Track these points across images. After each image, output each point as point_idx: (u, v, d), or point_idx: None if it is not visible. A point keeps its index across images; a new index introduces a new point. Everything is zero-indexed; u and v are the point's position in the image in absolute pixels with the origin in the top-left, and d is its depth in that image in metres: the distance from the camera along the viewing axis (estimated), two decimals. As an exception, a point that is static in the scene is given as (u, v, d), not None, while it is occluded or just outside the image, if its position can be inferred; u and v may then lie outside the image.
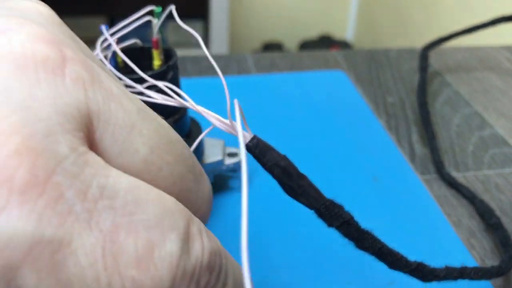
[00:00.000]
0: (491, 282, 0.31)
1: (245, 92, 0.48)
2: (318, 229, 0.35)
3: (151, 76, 0.28)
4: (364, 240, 0.23)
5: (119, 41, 0.29)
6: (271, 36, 1.59)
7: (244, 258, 0.12)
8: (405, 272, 0.24)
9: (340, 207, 0.22)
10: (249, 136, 0.21)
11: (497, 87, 0.53)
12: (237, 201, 0.36)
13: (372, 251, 0.23)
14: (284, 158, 0.21)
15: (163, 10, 0.28)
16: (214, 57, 0.54)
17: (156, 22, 0.28)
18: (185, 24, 0.28)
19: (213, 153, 0.34)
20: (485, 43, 0.62)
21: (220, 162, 0.34)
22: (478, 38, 0.65)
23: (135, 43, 0.30)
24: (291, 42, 1.60)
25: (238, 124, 0.19)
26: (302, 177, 0.21)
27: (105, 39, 0.27)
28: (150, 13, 0.28)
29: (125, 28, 0.27)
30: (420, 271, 0.25)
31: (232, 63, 0.54)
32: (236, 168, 0.36)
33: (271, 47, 1.54)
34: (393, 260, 0.24)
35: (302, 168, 0.41)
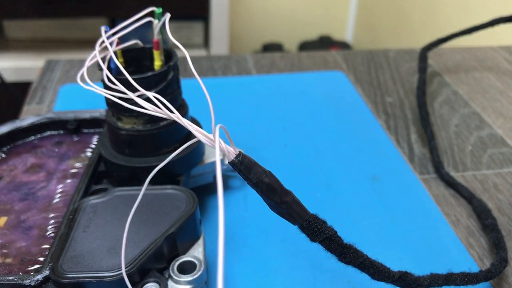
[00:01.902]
0: (490, 282, 0.32)
1: (245, 92, 0.49)
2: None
3: (152, 76, 0.28)
4: (346, 255, 0.23)
5: (122, 41, 0.30)
6: (271, 37, 1.59)
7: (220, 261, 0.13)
8: (388, 282, 0.25)
9: (322, 223, 0.23)
10: (234, 152, 0.21)
11: (496, 87, 0.53)
12: (237, 201, 0.36)
13: (354, 264, 0.24)
14: (269, 174, 0.21)
15: (164, 11, 0.28)
16: (214, 57, 0.54)
17: (157, 23, 0.28)
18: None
19: (214, 153, 0.34)
20: (484, 44, 0.63)
21: (220, 162, 0.34)
22: (477, 39, 0.65)
23: (136, 43, 0.31)
24: (291, 43, 1.61)
25: (216, 148, 0.19)
26: (287, 193, 0.22)
27: (107, 39, 0.27)
28: (151, 14, 0.28)
29: (125, 28, 0.28)
30: (403, 280, 0.25)
31: (232, 63, 0.54)
32: None
33: (271, 48, 1.54)
34: (375, 271, 0.24)
35: (302, 168, 0.42)
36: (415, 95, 0.50)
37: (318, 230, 0.22)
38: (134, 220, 0.26)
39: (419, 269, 0.32)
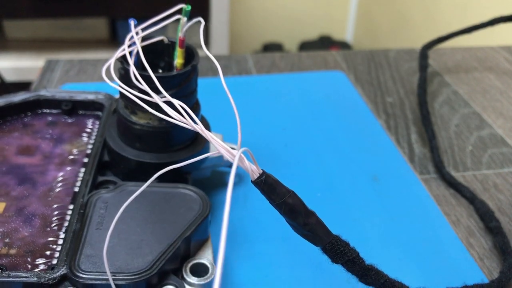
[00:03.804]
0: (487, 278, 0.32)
1: (245, 92, 0.49)
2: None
3: (177, 76, 0.28)
4: (367, 276, 0.23)
5: (148, 37, 0.29)
6: (271, 37, 1.59)
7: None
8: None
9: (345, 245, 0.22)
10: (258, 171, 0.20)
11: (496, 87, 0.53)
12: (237, 199, 0.36)
13: (375, 285, 0.23)
14: (293, 195, 0.21)
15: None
16: (214, 57, 0.54)
17: (185, 21, 0.27)
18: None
19: (212, 148, 0.34)
20: (484, 44, 0.62)
21: (220, 158, 0.34)
22: (477, 39, 0.65)
23: (162, 40, 0.30)
24: (291, 43, 1.61)
25: (234, 166, 0.18)
26: (310, 214, 0.21)
27: (133, 34, 0.26)
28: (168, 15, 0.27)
29: (154, 25, 0.27)
30: None
31: (232, 63, 0.54)
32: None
33: (271, 48, 1.54)
34: None
35: (302, 168, 0.42)
36: (415, 95, 0.50)
37: (341, 253, 0.22)
38: (150, 219, 0.26)
39: (419, 269, 0.32)
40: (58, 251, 0.26)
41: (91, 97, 0.35)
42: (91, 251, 0.24)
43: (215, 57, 0.26)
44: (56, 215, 0.28)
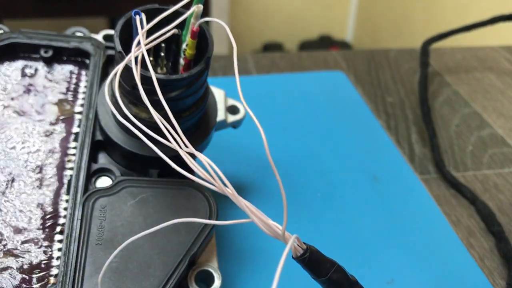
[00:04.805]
0: (491, 282, 0.32)
1: (245, 92, 0.48)
2: (317, 228, 0.36)
3: (189, 76, 0.25)
4: None
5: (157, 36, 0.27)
6: (271, 37, 1.59)
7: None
8: None
9: None
10: (301, 247, 0.19)
11: (497, 87, 0.53)
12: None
13: None
14: (337, 268, 0.20)
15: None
16: (214, 57, 0.54)
17: (201, 9, 0.25)
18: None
19: (220, 118, 0.32)
20: (485, 44, 0.62)
21: (222, 123, 0.33)
22: (477, 39, 0.65)
23: (173, 33, 0.26)
24: (291, 43, 1.61)
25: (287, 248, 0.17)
26: (353, 285, 0.20)
27: (140, 37, 0.23)
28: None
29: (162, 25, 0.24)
30: None
31: (232, 63, 0.54)
32: (236, 124, 0.34)
33: (271, 47, 1.54)
34: None
35: (302, 168, 0.41)
36: (415, 95, 0.50)
37: None
38: (153, 232, 0.25)
39: (419, 270, 0.32)
40: (54, 257, 0.24)
41: (74, 43, 0.30)
42: (94, 274, 0.23)
43: (215, 57, 0.25)
44: (49, 213, 0.26)
